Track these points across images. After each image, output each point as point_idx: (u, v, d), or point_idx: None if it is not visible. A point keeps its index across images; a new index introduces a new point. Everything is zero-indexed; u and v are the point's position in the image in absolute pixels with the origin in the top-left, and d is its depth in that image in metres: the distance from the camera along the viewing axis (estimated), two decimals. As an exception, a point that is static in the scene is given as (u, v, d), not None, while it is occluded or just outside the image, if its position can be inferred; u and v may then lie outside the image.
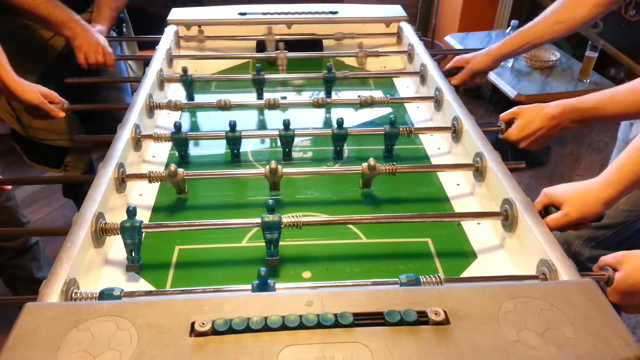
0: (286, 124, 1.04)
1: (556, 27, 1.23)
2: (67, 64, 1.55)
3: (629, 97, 0.94)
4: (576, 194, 0.83)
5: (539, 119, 1.03)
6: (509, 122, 1.09)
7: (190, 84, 1.30)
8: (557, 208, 0.84)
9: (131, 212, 0.80)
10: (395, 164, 0.94)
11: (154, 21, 1.94)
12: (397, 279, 0.71)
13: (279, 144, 1.09)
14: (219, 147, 1.17)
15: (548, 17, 1.24)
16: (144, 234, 0.81)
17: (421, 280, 0.71)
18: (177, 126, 1.03)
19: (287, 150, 1.08)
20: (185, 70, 1.29)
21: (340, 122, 1.04)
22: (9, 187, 0.97)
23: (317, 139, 1.20)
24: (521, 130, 1.05)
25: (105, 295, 0.68)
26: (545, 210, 0.86)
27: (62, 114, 1.22)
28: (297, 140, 1.19)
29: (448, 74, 1.39)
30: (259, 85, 1.29)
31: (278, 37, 1.57)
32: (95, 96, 1.68)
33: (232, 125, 1.04)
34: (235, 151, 1.08)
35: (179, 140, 1.05)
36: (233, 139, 1.05)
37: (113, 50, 1.70)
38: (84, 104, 1.51)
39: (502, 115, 1.10)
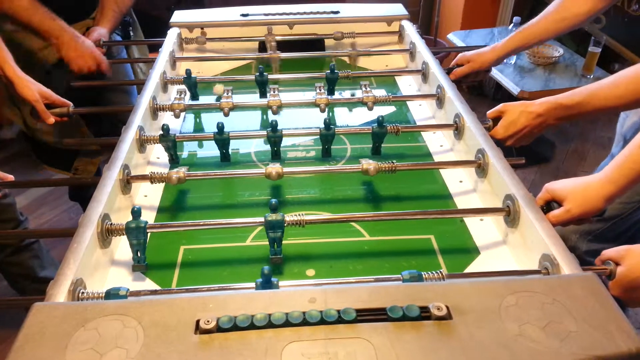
0: (274, 125, 1.04)
1: (560, 24, 1.23)
2: (61, 74, 1.57)
3: (613, 91, 0.94)
4: (578, 190, 0.84)
5: (523, 118, 1.03)
6: (496, 119, 1.09)
7: (194, 85, 1.30)
8: (559, 203, 0.85)
9: (136, 212, 0.80)
10: (394, 162, 0.95)
11: (157, 24, 1.96)
12: (400, 276, 0.72)
13: (284, 144, 1.09)
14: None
15: (551, 13, 1.24)
16: (149, 234, 0.82)
17: (423, 276, 0.71)
18: (165, 129, 1.03)
19: (275, 150, 1.09)
20: (189, 73, 1.29)
21: (327, 123, 1.05)
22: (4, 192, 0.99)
23: (317, 139, 1.21)
24: (507, 129, 1.06)
25: (112, 294, 0.69)
26: (547, 206, 0.86)
27: (51, 120, 1.22)
28: (300, 139, 1.20)
29: (449, 71, 1.40)
30: (262, 86, 1.30)
31: (279, 37, 1.57)
32: (101, 99, 1.69)
33: (220, 128, 1.04)
34: (224, 151, 1.09)
35: (170, 142, 1.05)
36: (221, 140, 1.06)
37: (118, 53, 1.71)
38: (90, 106, 1.52)
39: (488, 112, 1.10)
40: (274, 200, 0.81)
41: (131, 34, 1.82)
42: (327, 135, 1.07)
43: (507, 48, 1.31)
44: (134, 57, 1.80)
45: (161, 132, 1.04)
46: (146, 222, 0.80)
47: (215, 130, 1.05)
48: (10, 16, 1.35)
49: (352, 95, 1.17)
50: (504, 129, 1.06)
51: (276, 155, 1.09)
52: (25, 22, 1.35)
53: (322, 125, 1.06)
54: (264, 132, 1.07)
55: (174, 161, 1.09)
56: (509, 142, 1.08)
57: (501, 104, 1.08)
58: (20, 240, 1.58)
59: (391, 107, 1.36)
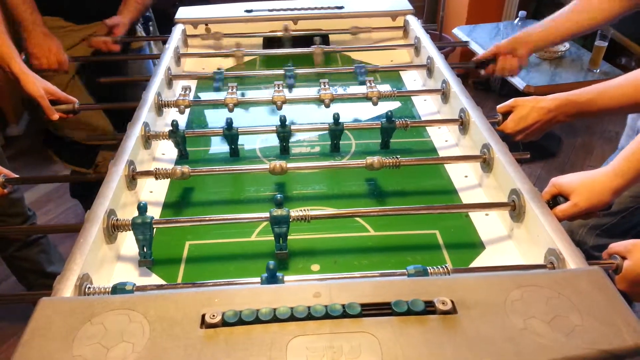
0: (282, 120, 1.05)
1: (586, 22, 1.22)
2: (100, 63, 1.59)
3: (621, 90, 0.94)
4: (585, 184, 0.83)
5: (535, 113, 1.03)
6: (506, 114, 1.08)
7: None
8: (566, 198, 0.84)
9: (142, 208, 0.81)
10: (399, 157, 0.95)
11: (162, 20, 1.96)
12: (405, 270, 0.72)
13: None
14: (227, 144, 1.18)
15: (577, 11, 1.22)
16: (155, 229, 0.82)
17: (429, 271, 0.71)
18: (175, 125, 1.04)
19: (284, 145, 1.09)
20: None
21: (336, 118, 1.05)
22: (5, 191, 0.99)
23: (321, 134, 1.21)
24: (517, 124, 1.05)
25: (118, 289, 0.69)
26: (554, 200, 0.86)
27: (56, 116, 1.23)
28: (305, 135, 1.20)
29: (481, 65, 1.38)
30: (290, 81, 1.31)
31: (280, 34, 1.58)
32: (122, 95, 1.70)
33: (229, 123, 1.05)
34: (233, 146, 1.09)
35: (179, 137, 1.06)
36: (230, 136, 1.06)
37: (142, 49, 1.73)
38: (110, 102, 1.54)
39: (498, 107, 1.10)
40: (279, 196, 0.81)
41: (151, 29, 1.84)
42: (336, 130, 1.07)
43: (536, 39, 1.28)
44: (154, 54, 1.80)
45: (170, 128, 1.04)
46: (152, 218, 0.80)
47: (223, 125, 1.05)
48: None
49: (369, 88, 1.16)
50: (514, 124, 1.06)
51: (285, 150, 1.09)
52: (9, 6, 1.37)
53: (328, 121, 1.06)
54: (273, 128, 1.07)
55: (184, 157, 1.09)
56: (519, 137, 1.07)
57: (512, 99, 1.08)
58: (27, 236, 1.59)
59: (396, 102, 1.36)
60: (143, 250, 0.81)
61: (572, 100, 1.00)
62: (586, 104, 0.99)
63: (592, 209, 0.83)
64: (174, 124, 1.03)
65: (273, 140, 1.19)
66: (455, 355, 0.53)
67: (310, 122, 1.25)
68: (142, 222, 0.80)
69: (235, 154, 1.09)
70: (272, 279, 0.69)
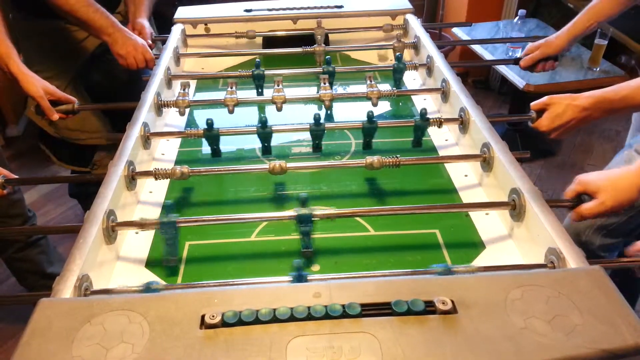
0: (317, 118, 1.04)
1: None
2: (99, 64, 1.58)
3: None
4: (610, 182, 0.83)
5: (570, 111, 1.02)
6: (540, 111, 1.08)
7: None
8: (590, 196, 0.84)
9: (168, 207, 0.81)
10: (398, 156, 0.95)
11: (161, 20, 1.96)
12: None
13: (286, 141, 1.09)
14: (230, 143, 1.18)
15: None
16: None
17: (452, 269, 0.70)
18: (210, 123, 1.04)
19: (317, 142, 1.09)
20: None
21: (370, 116, 1.05)
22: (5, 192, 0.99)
23: (330, 134, 1.21)
24: (552, 122, 1.05)
25: (151, 289, 0.69)
26: (578, 198, 0.85)
27: (56, 116, 1.23)
28: (304, 135, 1.20)
29: (517, 61, 1.40)
30: (259, 81, 1.30)
31: (281, 32, 1.57)
32: (129, 96, 1.70)
33: (264, 122, 1.04)
34: (266, 144, 1.09)
35: (212, 137, 1.06)
36: (264, 134, 1.06)
37: None
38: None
39: (532, 104, 1.09)
40: (303, 194, 0.81)
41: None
42: (370, 128, 1.07)
43: (576, 30, 1.31)
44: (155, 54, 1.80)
45: (205, 127, 1.04)
46: (177, 216, 0.81)
47: (257, 124, 1.06)
48: (68, 12, 1.35)
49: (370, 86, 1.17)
50: (549, 122, 1.05)
51: (317, 148, 1.09)
52: (82, 19, 1.36)
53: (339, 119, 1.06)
54: (306, 126, 1.06)
55: (217, 155, 1.09)
56: (553, 134, 1.07)
57: (546, 97, 1.07)
58: (28, 237, 1.59)
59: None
60: (169, 249, 0.81)
61: (608, 98, 1.00)
62: (623, 101, 0.98)
63: (618, 207, 0.82)
64: (209, 123, 1.03)
65: (272, 141, 1.19)
66: (455, 355, 0.53)
67: (344, 120, 1.25)
68: (169, 221, 0.80)
69: (267, 151, 1.09)
70: (299, 277, 0.69)
